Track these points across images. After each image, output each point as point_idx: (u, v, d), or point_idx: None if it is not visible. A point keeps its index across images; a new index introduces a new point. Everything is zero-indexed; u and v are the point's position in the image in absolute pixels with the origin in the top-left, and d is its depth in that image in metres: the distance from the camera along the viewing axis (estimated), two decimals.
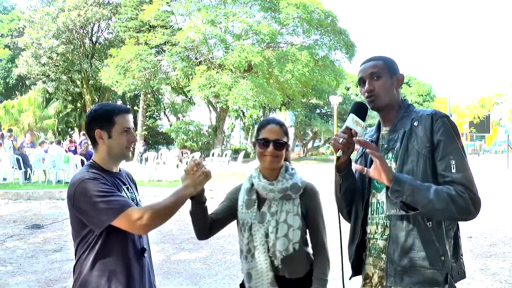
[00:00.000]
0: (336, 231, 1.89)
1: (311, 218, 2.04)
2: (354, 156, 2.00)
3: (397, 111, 1.88)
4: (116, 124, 1.97)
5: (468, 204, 1.64)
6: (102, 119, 1.97)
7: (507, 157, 22.40)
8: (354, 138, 1.77)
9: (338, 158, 1.83)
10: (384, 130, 1.91)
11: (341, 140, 1.76)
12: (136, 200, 2.06)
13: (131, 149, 2.06)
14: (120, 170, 2.11)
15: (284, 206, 1.99)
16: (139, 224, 1.80)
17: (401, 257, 1.72)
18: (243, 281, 2.09)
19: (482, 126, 39.84)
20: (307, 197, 2.03)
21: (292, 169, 2.09)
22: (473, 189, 1.67)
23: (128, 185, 2.07)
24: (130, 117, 2.05)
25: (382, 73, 1.85)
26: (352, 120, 1.79)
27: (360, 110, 1.82)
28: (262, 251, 1.99)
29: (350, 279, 1.97)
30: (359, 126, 1.80)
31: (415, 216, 1.71)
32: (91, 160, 2.03)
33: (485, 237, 6.77)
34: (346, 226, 1.98)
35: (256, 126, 2.10)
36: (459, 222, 1.83)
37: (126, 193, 2.01)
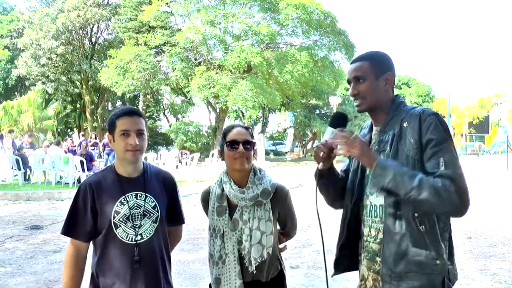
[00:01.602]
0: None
1: (283, 218, 2.14)
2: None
3: (387, 111, 1.83)
4: (116, 127, 2.00)
5: (453, 198, 1.58)
6: (109, 124, 2.05)
7: (506, 158, 22.42)
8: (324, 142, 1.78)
9: (320, 170, 1.86)
10: (375, 131, 1.88)
11: (321, 153, 1.79)
12: (144, 207, 2.01)
13: (134, 152, 1.98)
14: (144, 172, 2.08)
15: (256, 213, 2.01)
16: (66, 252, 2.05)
17: (395, 262, 1.70)
18: (210, 285, 2.12)
19: (482, 127, 39.84)
20: (278, 200, 2.08)
21: (261, 171, 2.11)
22: (461, 184, 1.60)
23: (142, 192, 2.02)
24: (132, 119, 2.00)
25: (367, 76, 1.80)
26: (331, 133, 1.77)
27: (338, 121, 1.80)
28: (232, 259, 2.02)
29: (332, 276, 1.99)
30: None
31: (408, 220, 1.69)
32: (112, 163, 2.12)
33: (484, 237, 6.77)
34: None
35: (222, 133, 2.11)
36: (451, 223, 1.79)
37: (128, 200, 1.99)
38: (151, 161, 16.04)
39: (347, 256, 1.93)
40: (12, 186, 12.64)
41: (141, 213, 2.00)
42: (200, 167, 17.26)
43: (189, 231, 7.09)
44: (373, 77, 1.80)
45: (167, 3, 24.11)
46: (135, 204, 2.00)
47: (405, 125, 1.73)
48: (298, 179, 14.67)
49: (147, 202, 2.03)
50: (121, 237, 1.96)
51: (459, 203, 1.59)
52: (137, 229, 1.98)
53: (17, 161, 13.02)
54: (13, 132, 18.28)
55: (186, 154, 22.10)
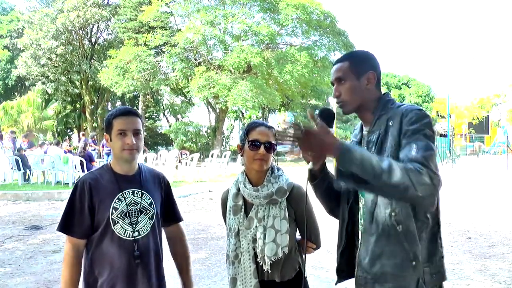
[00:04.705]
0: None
1: (300, 219, 2.04)
2: None
3: (373, 111, 1.76)
4: (114, 126, 2.03)
5: (426, 179, 1.45)
6: (106, 123, 2.08)
7: (506, 158, 22.43)
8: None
9: (310, 170, 1.75)
10: (365, 131, 1.83)
11: (309, 152, 1.63)
12: (141, 204, 2.05)
13: (131, 151, 2.01)
14: (139, 171, 2.12)
15: (271, 211, 1.98)
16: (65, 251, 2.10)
17: (371, 264, 1.65)
18: None
19: (481, 127, 39.94)
20: (294, 200, 2.02)
21: (279, 170, 2.08)
22: (431, 167, 1.48)
23: (138, 189, 2.06)
24: (129, 119, 2.02)
25: (347, 77, 1.74)
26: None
27: (325, 118, 1.69)
28: (247, 258, 2.00)
29: (336, 284, 1.94)
30: None
31: (384, 220, 1.62)
32: (107, 162, 2.15)
33: (484, 238, 6.77)
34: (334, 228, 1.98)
35: (244, 128, 2.07)
36: (440, 223, 1.70)
37: (126, 197, 2.02)
38: (150, 161, 16.04)
39: (349, 262, 1.85)
40: (12, 186, 12.63)
41: (138, 209, 2.04)
42: (199, 167, 17.25)
43: (188, 231, 7.08)
44: (354, 78, 1.74)
45: (167, 4, 24.12)
46: (132, 201, 2.04)
47: (390, 123, 1.67)
48: (298, 180, 14.67)
49: (144, 199, 2.07)
50: (119, 233, 1.99)
51: (432, 187, 1.46)
52: (134, 226, 2.02)
53: (16, 161, 13.02)
54: (14, 133, 18.24)
55: (186, 154, 22.10)
